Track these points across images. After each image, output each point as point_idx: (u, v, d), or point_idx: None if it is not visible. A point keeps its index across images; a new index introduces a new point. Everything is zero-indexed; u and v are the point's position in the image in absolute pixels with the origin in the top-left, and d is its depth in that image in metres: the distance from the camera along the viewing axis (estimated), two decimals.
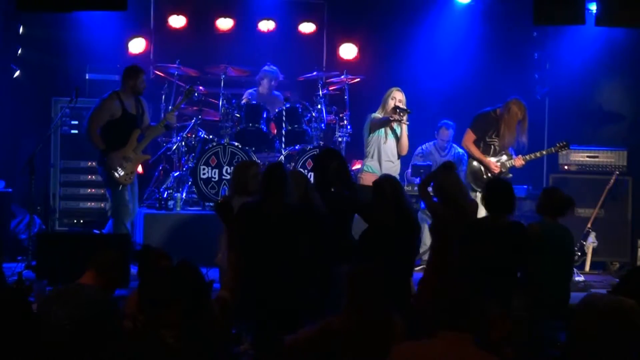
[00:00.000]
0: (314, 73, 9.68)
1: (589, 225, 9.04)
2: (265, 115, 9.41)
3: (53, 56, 10.23)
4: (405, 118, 8.24)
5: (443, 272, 5.69)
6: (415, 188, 9.17)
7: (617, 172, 9.17)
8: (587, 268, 8.92)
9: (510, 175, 8.30)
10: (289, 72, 10.27)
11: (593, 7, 8.18)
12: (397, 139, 8.35)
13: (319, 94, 9.43)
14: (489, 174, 8.22)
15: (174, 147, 9.41)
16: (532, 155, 8.41)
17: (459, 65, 10.39)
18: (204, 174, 9.01)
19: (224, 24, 10.78)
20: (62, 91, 9.54)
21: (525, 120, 8.20)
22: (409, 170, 9.35)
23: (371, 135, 8.34)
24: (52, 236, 8.37)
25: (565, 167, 9.36)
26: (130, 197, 8.19)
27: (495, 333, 4.34)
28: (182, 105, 9.65)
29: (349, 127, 9.44)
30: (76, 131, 9.51)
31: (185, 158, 9.35)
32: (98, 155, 8.16)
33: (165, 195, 9.11)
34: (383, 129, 8.26)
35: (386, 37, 10.80)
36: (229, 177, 8.74)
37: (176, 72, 9.58)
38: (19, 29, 10.00)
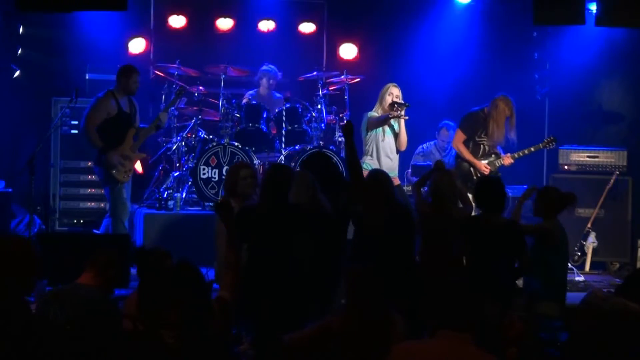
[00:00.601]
0: (314, 73, 9.68)
1: (589, 225, 9.04)
2: (265, 115, 9.41)
3: (53, 56, 10.24)
4: (403, 112, 8.20)
5: (433, 270, 5.69)
6: None
7: (617, 172, 9.17)
8: (587, 268, 8.93)
9: (499, 174, 8.18)
10: (289, 72, 10.27)
11: (593, 7, 8.18)
12: (396, 135, 8.33)
13: (319, 94, 9.43)
14: (479, 175, 8.11)
15: (174, 147, 9.41)
16: (521, 153, 8.24)
17: (459, 65, 10.40)
18: (204, 174, 9.01)
19: (224, 24, 10.79)
20: (62, 91, 9.55)
21: (513, 116, 8.08)
22: (409, 170, 9.35)
23: (369, 133, 8.34)
24: (52, 236, 8.37)
25: (565, 167, 9.36)
26: (127, 195, 8.22)
27: (510, 333, 4.35)
28: (182, 105, 9.68)
29: None
30: (76, 131, 9.52)
31: (185, 158, 9.35)
32: (95, 154, 8.18)
33: (165, 195, 9.11)
34: (382, 128, 8.25)
35: (386, 37, 10.81)
36: None
37: (176, 72, 9.58)
38: (19, 29, 10.01)
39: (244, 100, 9.73)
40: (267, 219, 5.42)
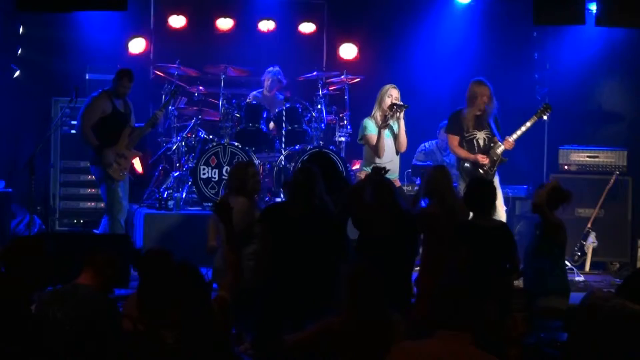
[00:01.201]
0: (314, 73, 9.68)
1: (589, 225, 9.03)
2: (265, 115, 9.41)
3: (53, 56, 10.24)
4: (402, 115, 8.16)
5: (437, 272, 5.69)
6: (415, 188, 9.18)
7: (617, 172, 9.16)
8: (587, 268, 8.92)
9: (506, 159, 8.09)
10: (289, 72, 10.26)
11: (593, 7, 8.18)
12: (395, 136, 8.27)
13: (319, 94, 9.42)
14: (481, 169, 8.04)
15: (174, 147, 9.41)
16: (519, 132, 8.01)
17: (459, 65, 10.38)
18: (204, 174, 9.01)
19: (224, 24, 10.78)
20: (62, 91, 9.54)
21: (491, 100, 8.00)
22: (409, 170, 9.34)
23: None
24: (52, 236, 8.36)
25: (565, 167, 9.35)
26: (123, 194, 8.25)
27: (512, 333, 4.35)
28: (182, 105, 9.69)
29: (349, 127, 9.45)
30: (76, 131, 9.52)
31: (185, 158, 9.35)
32: (91, 153, 8.19)
33: (165, 195, 9.11)
34: (379, 130, 8.15)
35: (386, 37, 10.80)
36: None
37: (176, 72, 9.58)
38: (19, 29, 10.01)
39: (247, 100, 9.72)
40: (300, 223, 5.64)
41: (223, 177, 8.88)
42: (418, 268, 6.19)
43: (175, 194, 9.08)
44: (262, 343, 5.30)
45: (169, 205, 9.01)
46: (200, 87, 9.69)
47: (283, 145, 9.31)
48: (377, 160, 8.04)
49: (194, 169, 9.00)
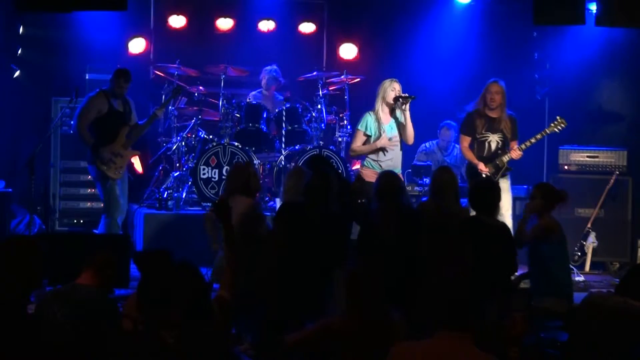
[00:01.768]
0: (314, 73, 9.68)
1: (589, 225, 9.04)
2: (265, 115, 9.41)
3: (53, 56, 10.23)
4: (407, 106, 7.97)
5: (433, 269, 5.70)
6: (416, 188, 9.18)
7: (617, 172, 9.17)
8: (587, 268, 8.92)
9: (511, 169, 8.08)
10: (289, 72, 10.26)
11: (593, 7, 8.18)
12: (400, 129, 7.87)
13: (319, 94, 9.42)
14: (483, 175, 8.00)
15: (174, 147, 9.41)
16: (528, 143, 8.00)
17: (459, 65, 10.39)
18: (204, 174, 9.01)
19: (224, 24, 10.78)
20: (62, 91, 9.55)
21: (504, 97, 7.95)
22: (410, 170, 9.34)
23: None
24: (52, 236, 8.37)
25: (565, 167, 9.36)
26: (121, 193, 8.23)
27: (512, 333, 4.36)
28: (182, 105, 9.68)
29: (349, 127, 9.44)
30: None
31: (185, 158, 9.35)
32: (88, 153, 8.20)
33: (165, 195, 9.12)
34: (378, 128, 7.99)
35: (386, 37, 10.80)
36: None
37: (176, 72, 9.58)
38: (19, 29, 10.00)
39: (247, 100, 9.72)
40: (318, 224, 5.67)
41: (223, 177, 8.87)
42: None
43: (175, 194, 9.08)
44: (262, 343, 5.29)
45: (169, 205, 9.02)
46: (200, 87, 9.69)
47: (283, 145, 9.32)
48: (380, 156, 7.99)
49: (194, 169, 9.00)
